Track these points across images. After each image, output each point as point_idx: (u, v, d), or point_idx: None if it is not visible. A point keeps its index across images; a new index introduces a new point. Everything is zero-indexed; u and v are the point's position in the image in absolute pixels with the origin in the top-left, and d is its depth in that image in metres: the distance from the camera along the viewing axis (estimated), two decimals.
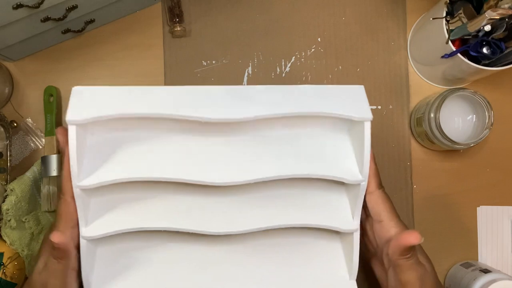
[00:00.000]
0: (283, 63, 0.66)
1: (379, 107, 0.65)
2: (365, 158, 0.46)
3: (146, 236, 0.53)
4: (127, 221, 0.48)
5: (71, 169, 0.44)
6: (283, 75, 0.65)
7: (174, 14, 0.64)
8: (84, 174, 0.45)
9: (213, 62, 0.65)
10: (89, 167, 0.46)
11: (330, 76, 0.65)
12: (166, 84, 0.65)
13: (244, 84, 0.65)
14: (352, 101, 0.47)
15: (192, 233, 0.49)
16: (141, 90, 0.46)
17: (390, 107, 0.65)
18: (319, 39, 0.66)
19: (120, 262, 0.51)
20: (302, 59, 0.66)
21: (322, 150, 0.49)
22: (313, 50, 0.66)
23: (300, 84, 0.62)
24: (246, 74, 0.65)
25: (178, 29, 0.64)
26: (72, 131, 0.43)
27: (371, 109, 0.63)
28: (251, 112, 0.45)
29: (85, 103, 0.44)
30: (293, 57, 0.66)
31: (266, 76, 0.65)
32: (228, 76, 0.65)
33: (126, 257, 0.51)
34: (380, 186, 0.50)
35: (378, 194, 0.50)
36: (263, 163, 0.47)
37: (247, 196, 0.51)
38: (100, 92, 0.46)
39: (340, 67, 0.65)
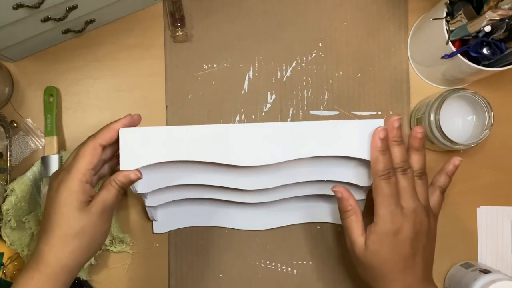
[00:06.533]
0: (284, 68, 0.65)
1: (379, 112, 0.65)
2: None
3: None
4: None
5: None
6: (284, 79, 0.65)
7: (176, 18, 0.64)
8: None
9: (214, 65, 0.65)
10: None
11: (331, 82, 0.65)
12: (167, 87, 0.65)
13: (245, 89, 0.65)
14: (368, 139, 0.51)
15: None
16: (180, 131, 0.51)
17: (390, 112, 0.65)
18: (320, 44, 0.66)
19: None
20: (303, 64, 0.65)
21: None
22: (314, 55, 0.66)
23: (301, 88, 0.65)
24: (247, 78, 0.65)
25: (180, 33, 0.64)
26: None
27: (371, 114, 0.64)
28: (279, 158, 0.52)
29: (134, 149, 0.51)
30: (294, 62, 0.65)
31: (267, 80, 0.65)
32: (229, 80, 0.65)
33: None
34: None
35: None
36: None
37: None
38: (145, 134, 0.51)
39: (340, 72, 0.65)
